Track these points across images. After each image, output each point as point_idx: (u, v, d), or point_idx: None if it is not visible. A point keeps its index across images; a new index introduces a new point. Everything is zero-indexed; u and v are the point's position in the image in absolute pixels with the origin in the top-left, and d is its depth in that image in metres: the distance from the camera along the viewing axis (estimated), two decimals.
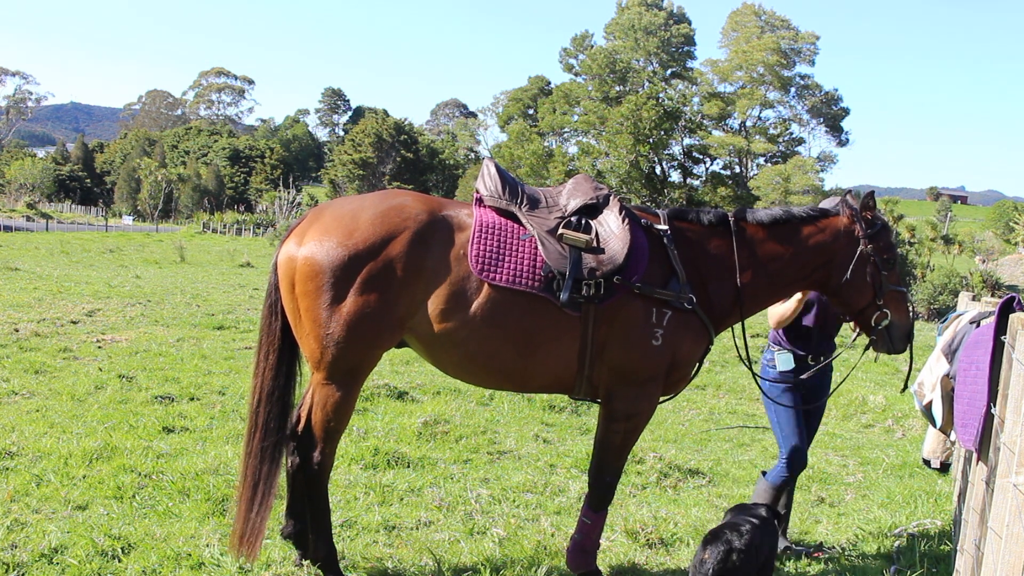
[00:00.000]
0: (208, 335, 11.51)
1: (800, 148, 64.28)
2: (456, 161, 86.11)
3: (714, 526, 3.95)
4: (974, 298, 12.47)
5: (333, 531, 4.10)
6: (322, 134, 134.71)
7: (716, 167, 63.69)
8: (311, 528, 3.97)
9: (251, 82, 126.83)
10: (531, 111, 76.06)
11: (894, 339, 4.21)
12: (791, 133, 64.35)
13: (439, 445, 6.59)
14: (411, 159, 77.84)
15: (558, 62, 73.05)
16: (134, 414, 6.88)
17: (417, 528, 4.80)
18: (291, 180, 62.68)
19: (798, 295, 4.58)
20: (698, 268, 4.01)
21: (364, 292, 3.64)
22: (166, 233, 52.52)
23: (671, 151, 57.45)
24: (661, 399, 4.11)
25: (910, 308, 4.26)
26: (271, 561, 4.13)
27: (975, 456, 3.78)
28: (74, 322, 11.79)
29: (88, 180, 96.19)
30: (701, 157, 62.44)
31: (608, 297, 3.80)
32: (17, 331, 10.60)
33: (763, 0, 63.80)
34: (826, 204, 4.35)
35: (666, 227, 4.00)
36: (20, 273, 19.06)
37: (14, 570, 3.89)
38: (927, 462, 7.29)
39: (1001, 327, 3.39)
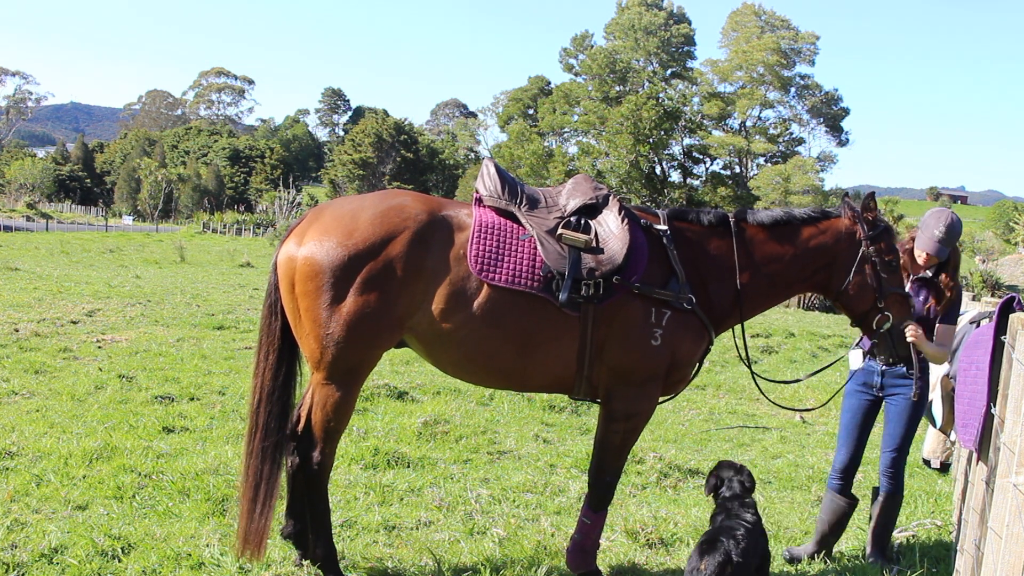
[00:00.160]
0: (208, 335, 11.50)
1: (800, 148, 64.32)
2: (456, 161, 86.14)
3: (708, 529, 3.86)
4: (974, 298, 12.48)
5: (333, 531, 4.10)
6: (322, 134, 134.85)
7: (716, 167, 63.73)
8: (311, 528, 3.97)
9: (251, 82, 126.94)
10: (531, 111, 76.08)
11: (896, 342, 4.16)
12: (791, 133, 64.38)
13: (439, 445, 6.59)
14: (411, 159, 77.88)
15: (558, 62, 73.16)
16: (134, 414, 6.88)
17: (417, 528, 4.80)
18: (291, 180, 62.67)
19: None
20: (698, 268, 4.00)
21: (364, 292, 3.64)
22: (166, 233, 52.52)
23: (671, 151, 57.47)
24: (661, 399, 4.10)
25: (911, 309, 4.21)
26: (271, 561, 4.13)
27: (975, 456, 3.78)
28: (74, 322, 11.79)
29: (88, 180, 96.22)
30: (701, 157, 62.45)
31: (607, 297, 3.80)
32: (17, 331, 10.60)
33: (763, 0, 63.86)
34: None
35: (666, 227, 4.00)
36: (20, 273, 19.05)
37: (14, 570, 3.88)
38: (927, 462, 7.30)
39: (1001, 327, 3.39)
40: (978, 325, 5.28)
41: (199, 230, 61.84)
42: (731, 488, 4.00)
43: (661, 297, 3.85)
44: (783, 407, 5.32)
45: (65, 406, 7.06)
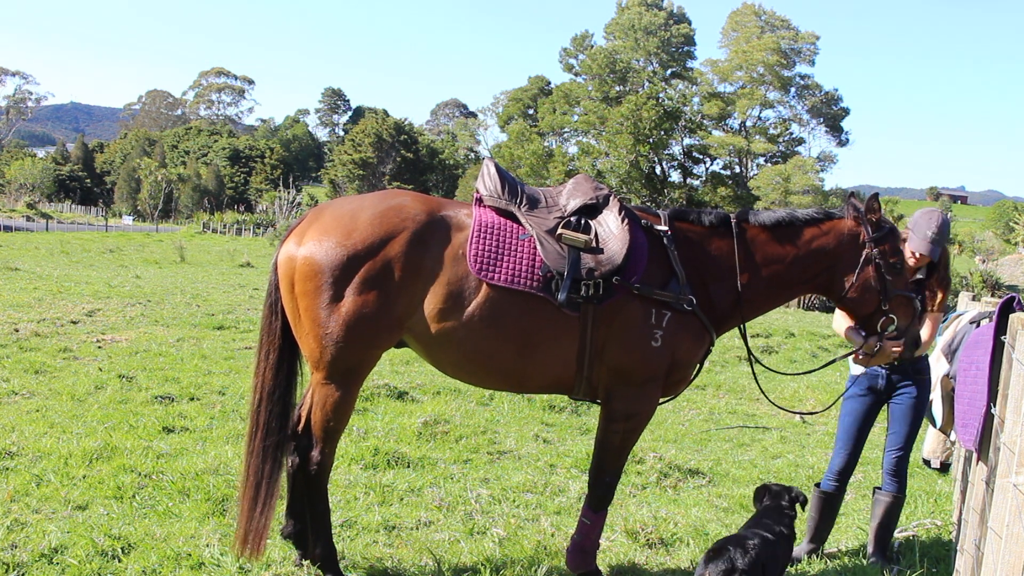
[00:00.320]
0: (208, 335, 11.50)
1: (800, 148, 64.30)
2: (456, 161, 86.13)
3: (723, 536, 3.84)
4: (974, 298, 12.47)
5: (333, 531, 4.10)
6: (322, 134, 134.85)
7: (716, 167, 63.73)
8: (311, 528, 3.97)
9: (251, 82, 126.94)
10: (531, 111, 76.07)
11: (902, 346, 4.16)
12: (791, 133, 64.36)
13: (439, 445, 6.59)
14: (411, 159, 77.88)
15: (558, 62, 73.12)
16: (134, 414, 6.88)
17: (417, 528, 4.80)
18: (291, 180, 62.67)
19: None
20: (698, 269, 3.99)
21: (363, 292, 3.64)
22: (166, 233, 52.52)
23: (671, 151, 57.49)
24: (661, 400, 4.10)
25: (917, 312, 4.17)
26: (271, 561, 4.13)
27: (975, 456, 3.78)
28: (74, 322, 11.79)
29: (88, 180, 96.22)
30: (701, 157, 62.45)
31: (607, 297, 3.79)
32: (17, 331, 10.60)
33: (763, 0, 63.85)
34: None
35: (666, 228, 3.99)
36: (20, 273, 19.05)
37: (14, 570, 3.88)
38: (927, 462, 7.30)
39: (1001, 327, 3.39)
40: (978, 325, 5.28)
41: (199, 230, 61.83)
42: (772, 498, 4.07)
43: (661, 298, 3.84)
44: (784, 408, 5.32)
45: (65, 406, 7.06)
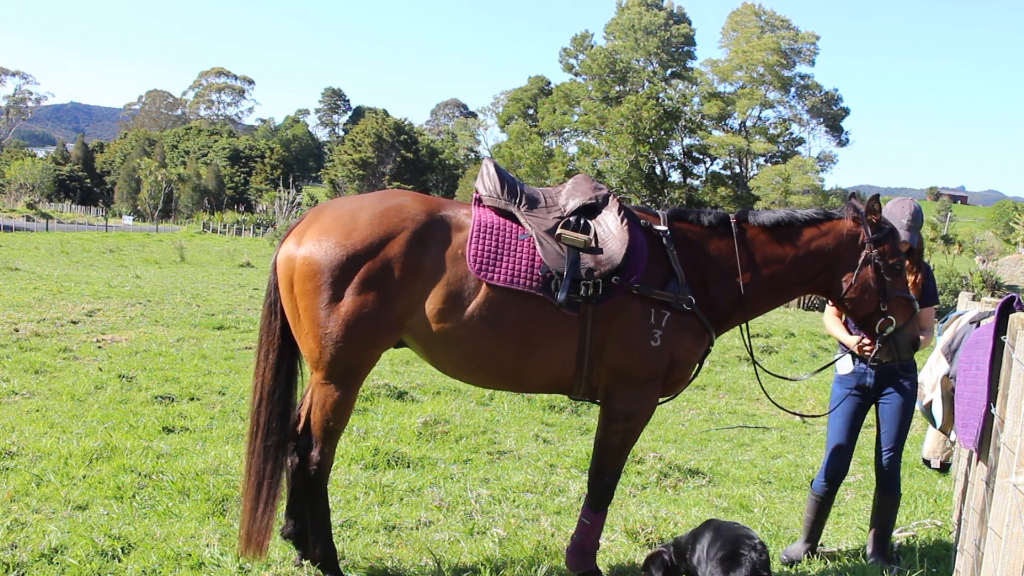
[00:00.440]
0: (208, 335, 11.51)
1: (800, 148, 64.31)
2: (456, 161, 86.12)
3: (721, 546, 3.66)
4: (974, 298, 12.48)
5: (333, 531, 4.10)
6: (322, 134, 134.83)
7: (716, 167, 63.73)
8: (311, 528, 3.97)
9: (251, 82, 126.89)
10: (531, 111, 76.06)
11: (900, 346, 4.13)
12: (791, 133, 64.36)
13: (439, 445, 6.59)
14: (411, 159, 77.87)
15: (558, 62, 73.13)
16: (134, 414, 6.88)
17: (417, 528, 4.80)
18: (291, 180, 62.67)
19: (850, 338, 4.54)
20: (698, 269, 3.99)
21: (362, 292, 3.64)
22: (166, 233, 52.52)
23: (671, 151, 57.51)
24: (660, 400, 4.10)
25: (916, 313, 4.15)
26: (271, 561, 4.13)
27: (975, 456, 3.78)
28: (74, 322, 11.79)
29: (88, 180, 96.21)
30: (701, 157, 62.46)
31: (606, 297, 3.79)
32: (17, 331, 10.60)
33: (763, 0, 63.85)
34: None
35: (665, 228, 3.99)
36: (20, 273, 19.05)
37: (14, 570, 3.88)
38: (927, 462, 7.30)
39: (1001, 327, 3.39)
40: (978, 325, 5.28)
41: (199, 230, 61.84)
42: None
43: (660, 298, 3.84)
44: (784, 409, 5.31)
45: (65, 406, 7.06)
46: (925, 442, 7.31)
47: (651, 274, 3.87)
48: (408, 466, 5.95)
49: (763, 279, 4.08)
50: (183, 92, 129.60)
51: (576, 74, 68.45)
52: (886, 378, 4.72)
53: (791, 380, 4.87)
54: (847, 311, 4.21)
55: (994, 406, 3.16)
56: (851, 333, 4.72)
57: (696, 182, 60.73)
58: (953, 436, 6.38)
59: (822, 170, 60.70)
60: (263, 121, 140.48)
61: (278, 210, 55.25)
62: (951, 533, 5.23)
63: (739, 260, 4.03)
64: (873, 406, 4.83)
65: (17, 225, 49.64)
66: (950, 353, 5.84)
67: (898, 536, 5.22)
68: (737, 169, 63.58)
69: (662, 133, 49.65)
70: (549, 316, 3.77)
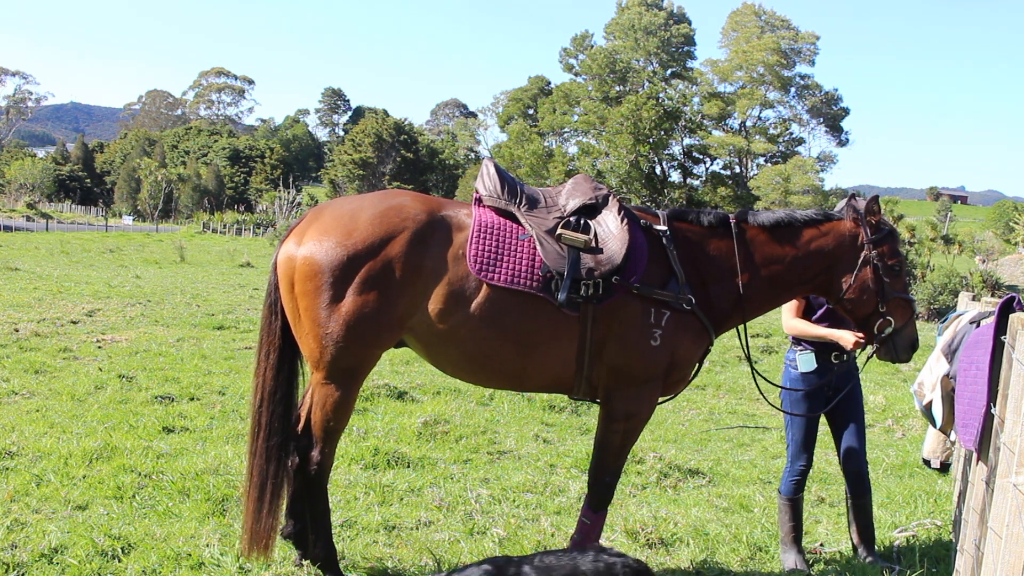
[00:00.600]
0: (208, 335, 11.51)
1: (800, 148, 64.36)
2: (456, 161, 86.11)
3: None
4: (974, 298, 12.47)
5: (333, 531, 4.10)
6: (322, 134, 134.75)
7: (716, 167, 63.75)
8: (311, 528, 3.97)
9: (251, 82, 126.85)
10: (531, 111, 76.07)
11: (898, 348, 4.16)
12: (791, 133, 64.40)
13: (439, 445, 6.59)
14: (411, 159, 77.85)
15: (558, 62, 73.15)
16: (134, 414, 6.88)
17: (417, 528, 4.80)
18: (291, 180, 62.65)
19: (829, 331, 4.54)
20: (698, 269, 4.00)
21: (363, 292, 3.64)
22: (166, 233, 52.52)
23: (671, 151, 57.48)
24: (660, 399, 4.10)
25: (914, 314, 4.18)
26: (271, 561, 4.12)
27: (975, 456, 3.78)
28: (74, 322, 11.79)
29: (88, 180, 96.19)
30: (701, 157, 62.46)
31: (607, 297, 3.79)
32: (17, 331, 10.61)
33: (763, 0, 63.86)
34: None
35: (665, 228, 4.00)
36: (20, 273, 19.06)
37: (14, 570, 3.89)
38: (927, 462, 7.29)
39: (1001, 327, 3.39)
40: (978, 325, 5.28)
41: (199, 230, 61.83)
42: None
43: (660, 298, 3.85)
44: (783, 410, 5.31)
45: (65, 406, 7.06)
46: (925, 442, 7.30)
47: (651, 274, 3.88)
48: (408, 466, 5.95)
49: (763, 279, 4.08)
50: (183, 92, 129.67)
51: (576, 74, 68.47)
52: (842, 374, 4.74)
53: (780, 388, 4.86)
54: (846, 311, 4.22)
55: (994, 406, 3.16)
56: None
57: (696, 182, 60.73)
58: (953, 436, 6.38)
59: (822, 170, 60.79)
60: (263, 121, 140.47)
61: (278, 210, 55.23)
62: (951, 533, 5.23)
63: (739, 260, 4.03)
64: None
65: (17, 225, 49.64)
66: (950, 353, 5.83)
67: (898, 536, 5.22)
68: (737, 169, 63.59)
69: (662, 133, 49.64)
70: (549, 316, 3.77)
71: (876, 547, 4.90)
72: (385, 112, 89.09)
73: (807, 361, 4.71)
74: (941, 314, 20.80)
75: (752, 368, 4.38)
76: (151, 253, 32.85)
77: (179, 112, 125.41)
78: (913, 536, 5.25)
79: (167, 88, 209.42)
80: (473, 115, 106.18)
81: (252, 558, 3.93)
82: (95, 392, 7.64)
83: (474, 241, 3.75)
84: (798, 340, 4.79)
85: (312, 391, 3.91)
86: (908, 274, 25.29)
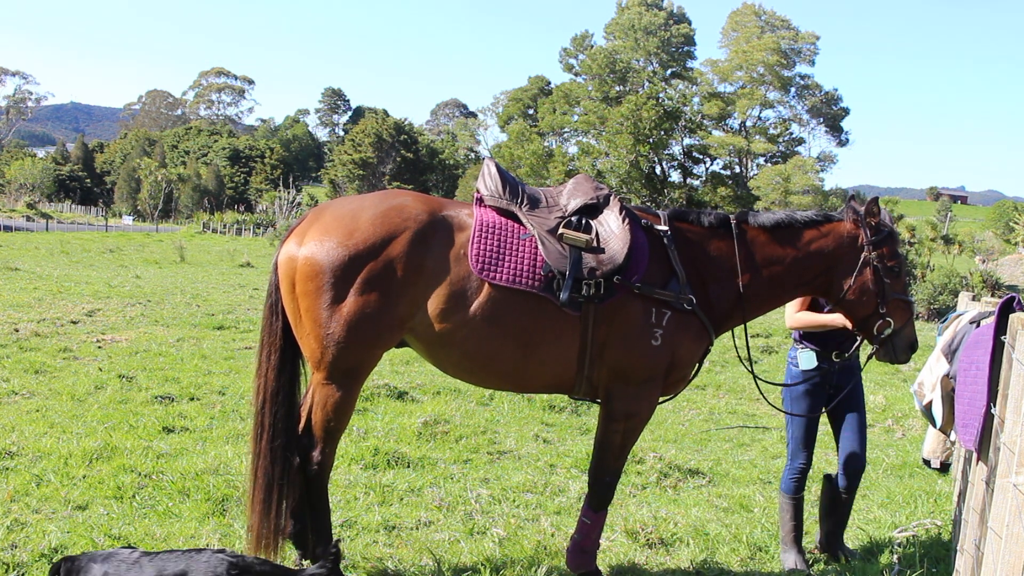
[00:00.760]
0: (208, 335, 11.51)
1: (800, 148, 64.34)
2: (456, 161, 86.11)
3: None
4: (974, 298, 12.47)
5: (333, 531, 4.10)
6: (322, 134, 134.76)
7: (716, 167, 63.75)
8: (311, 528, 3.97)
9: (251, 82, 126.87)
10: (531, 111, 76.07)
11: (897, 349, 4.17)
12: (791, 133, 64.39)
13: (439, 445, 6.59)
14: (411, 159, 77.85)
15: (558, 62, 73.16)
16: (134, 414, 6.88)
17: (417, 528, 4.80)
18: (291, 180, 62.69)
19: (832, 317, 4.53)
20: (698, 269, 4.00)
21: (364, 292, 3.64)
22: (166, 233, 52.52)
23: (671, 151, 57.51)
24: (660, 399, 4.10)
25: (913, 315, 4.19)
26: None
27: (975, 456, 3.78)
28: (74, 322, 11.79)
29: (88, 180, 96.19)
30: (701, 157, 62.47)
31: (608, 297, 3.80)
32: (17, 331, 10.61)
33: (763, 0, 63.86)
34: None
35: (666, 227, 4.00)
36: (20, 273, 19.06)
37: (14, 570, 3.89)
38: (927, 462, 7.29)
39: (1001, 327, 3.39)
40: (978, 325, 5.28)
41: (199, 230, 61.83)
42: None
43: (661, 297, 3.85)
44: (783, 410, 5.31)
45: (65, 406, 7.06)
46: (925, 442, 7.30)
47: (652, 273, 3.88)
48: (408, 466, 5.95)
49: (763, 280, 4.09)
50: (183, 92, 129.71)
51: (576, 74, 68.47)
52: (842, 371, 4.75)
53: (780, 386, 4.86)
54: (845, 312, 4.22)
55: (994, 406, 3.16)
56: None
57: (696, 182, 60.74)
58: (953, 436, 6.38)
59: (822, 170, 60.76)
60: (263, 121, 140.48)
61: (278, 210, 55.25)
62: (951, 533, 5.23)
63: (739, 261, 4.04)
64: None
65: (17, 225, 49.64)
66: (950, 353, 5.83)
67: (898, 536, 5.22)
68: (737, 169, 63.58)
69: (662, 133, 49.65)
70: (551, 316, 3.77)
71: (872, 548, 4.91)
72: (385, 112, 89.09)
73: (808, 359, 4.72)
74: (941, 314, 20.79)
75: (752, 370, 4.38)
76: (151, 253, 32.85)
77: (179, 112, 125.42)
78: (913, 536, 5.25)
79: (167, 88, 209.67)
80: (473, 115, 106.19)
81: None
82: (95, 392, 7.64)
83: (476, 241, 3.75)
84: (800, 338, 4.80)
85: (313, 391, 3.91)
86: (908, 274, 25.29)
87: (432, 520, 4.92)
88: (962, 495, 4.59)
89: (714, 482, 6.28)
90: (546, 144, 62.80)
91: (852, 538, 5.25)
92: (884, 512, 5.76)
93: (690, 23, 68.51)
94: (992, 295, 17.24)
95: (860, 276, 4.06)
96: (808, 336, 4.76)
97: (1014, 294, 3.96)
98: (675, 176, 59.96)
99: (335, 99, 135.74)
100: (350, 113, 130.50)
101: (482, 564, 4.24)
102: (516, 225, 3.87)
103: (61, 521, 4.49)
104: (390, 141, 75.54)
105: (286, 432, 3.88)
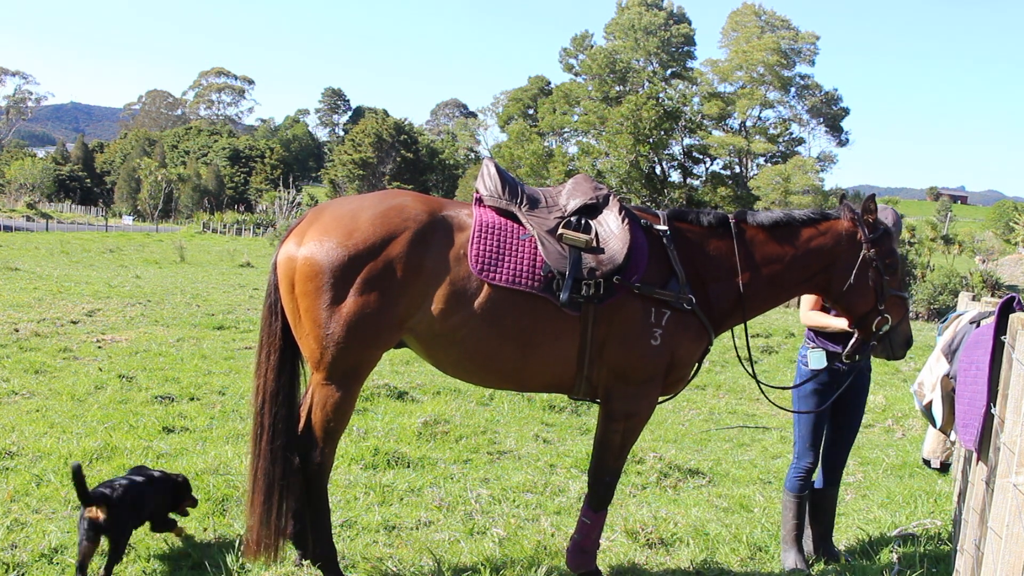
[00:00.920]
0: (208, 335, 11.51)
1: (800, 148, 64.24)
2: (456, 161, 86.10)
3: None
4: (974, 298, 12.47)
5: (333, 531, 4.10)
6: (322, 134, 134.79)
7: (716, 167, 63.68)
8: (311, 528, 3.96)
9: (251, 82, 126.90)
10: (531, 111, 76.01)
11: (894, 345, 4.20)
12: (791, 133, 64.29)
13: (439, 445, 6.59)
14: (411, 159, 77.85)
15: (558, 62, 73.10)
16: (134, 414, 6.88)
17: (417, 528, 4.80)
18: (291, 180, 62.67)
19: (836, 320, 4.55)
20: (697, 269, 4.00)
21: (364, 292, 3.64)
22: (166, 233, 52.52)
23: (671, 151, 57.46)
24: (660, 399, 4.10)
25: (909, 311, 4.22)
26: (272, 562, 4.12)
27: (975, 456, 3.78)
28: (74, 322, 11.79)
29: (88, 180, 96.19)
30: (701, 157, 62.42)
31: (608, 297, 3.80)
32: (17, 331, 10.61)
33: (763, 0, 63.83)
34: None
35: (666, 227, 4.00)
36: (20, 273, 19.06)
37: (14, 570, 3.89)
38: (927, 462, 7.28)
39: (1001, 327, 3.39)
40: (978, 325, 5.28)
41: (199, 230, 61.84)
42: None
43: (661, 297, 3.85)
44: (783, 408, 5.31)
45: (65, 406, 7.06)
46: (925, 442, 7.29)
47: (652, 273, 3.88)
48: (408, 466, 5.95)
49: (762, 279, 4.09)
50: (183, 92, 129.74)
51: (576, 74, 68.42)
52: (849, 370, 4.73)
53: (781, 389, 4.86)
54: (844, 310, 4.24)
55: (994, 406, 3.16)
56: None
57: (696, 182, 60.70)
58: (953, 436, 6.38)
59: (822, 170, 60.64)
60: (263, 121, 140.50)
61: (278, 210, 55.24)
62: (951, 533, 5.23)
63: (738, 260, 4.04)
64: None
65: (17, 225, 49.65)
66: (950, 353, 5.84)
67: (898, 536, 5.22)
68: (737, 169, 63.54)
69: (662, 133, 49.62)
70: (551, 316, 3.77)
71: (872, 548, 4.91)
72: (385, 112, 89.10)
73: (818, 358, 4.74)
74: (941, 314, 20.80)
75: (752, 371, 4.38)
76: (151, 253, 32.85)
77: (179, 112, 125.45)
78: (913, 536, 5.25)
79: (167, 88, 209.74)
80: (473, 115, 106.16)
81: (259, 561, 3.91)
82: (95, 392, 7.64)
83: (475, 241, 3.74)
84: (811, 337, 4.80)
85: (312, 391, 3.90)
86: (908, 274, 25.30)
87: (432, 520, 4.92)
88: (962, 495, 4.59)
89: (714, 482, 6.28)
90: (546, 144, 62.76)
91: (852, 538, 5.26)
92: (884, 512, 5.77)
93: (690, 23, 68.49)
94: (992, 295, 17.24)
95: (859, 274, 4.08)
96: (822, 336, 4.76)
97: (1014, 294, 3.96)
98: (675, 176, 59.94)
99: (335, 99, 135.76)
100: (350, 113, 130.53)
101: (482, 564, 4.24)
102: (516, 225, 3.87)
103: (61, 521, 4.49)
104: (390, 141, 75.55)
105: (286, 433, 3.88)
